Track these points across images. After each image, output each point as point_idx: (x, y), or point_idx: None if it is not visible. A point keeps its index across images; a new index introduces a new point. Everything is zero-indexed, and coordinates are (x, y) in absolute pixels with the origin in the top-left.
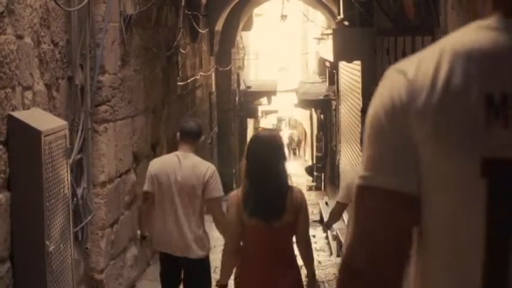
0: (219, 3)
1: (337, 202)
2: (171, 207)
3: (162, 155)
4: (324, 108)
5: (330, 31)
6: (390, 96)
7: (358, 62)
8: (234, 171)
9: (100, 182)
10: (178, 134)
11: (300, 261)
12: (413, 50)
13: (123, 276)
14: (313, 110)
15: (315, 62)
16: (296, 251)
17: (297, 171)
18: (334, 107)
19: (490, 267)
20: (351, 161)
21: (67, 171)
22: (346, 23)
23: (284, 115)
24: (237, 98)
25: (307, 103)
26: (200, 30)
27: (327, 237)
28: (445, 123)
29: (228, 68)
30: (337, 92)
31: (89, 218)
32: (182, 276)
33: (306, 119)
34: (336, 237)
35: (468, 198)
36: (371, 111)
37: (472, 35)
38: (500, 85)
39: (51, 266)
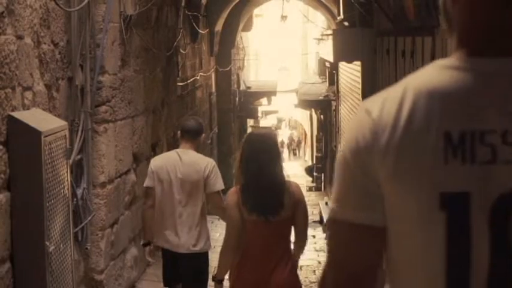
0: (219, 4)
1: None
2: (172, 203)
3: None
4: (324, 108)
5: (330, 32)
6: (356, 136)
7: (358, 63)
8: (234, 171)
9: (100, 183)
10: (179, 132)
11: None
12: (413, 51)
13: (123, 276)
14: (313, 110)
15: (315, 63)
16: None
17: (296, 171)
18: (334, 108)
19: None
20: None
21: (67, 172)
22: (346, 23)
23: (284, 115)
24: (237, 99)
25: (307, 103)
26: (200, 31)
27: (327, 238)
28: (406, 161)
29: (228, 69)
30: (337, 93)
31: (89, 218)
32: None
33: (306, 120)
34: None
35: (429, 231)
36: (341, 148)
37: (435, 74)
38: (459, 123)
39: (51, 266)
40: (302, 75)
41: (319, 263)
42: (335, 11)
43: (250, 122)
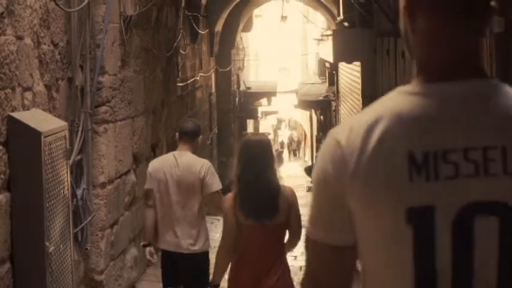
0: (219, 4)
1: None
2: (170, 205)
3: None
4: (324, 109)
5: (329, 32)
6: (325, 166)
7: (358, 63)
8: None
9: (100, 183)
10: (177, 134)
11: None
12: None
13: (123, 277)
14: (313, 110)
15: (315, 63)
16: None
17: (296, 172)
18: (334, 108)
19: None
20: None
21: (67, 172)
22: (346, 24)
23: (284, 116)
24: (236, 99)
25: (307, 104)
26: (200, 31)
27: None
28: (374, 181)
29: (228, 69)
30: (336, 93)
31: (89, 218)
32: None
33: (305, 120)
34: None
35: (397, 244)
36: (313, 175)
37: (398, 100)
38: (421, 145)
39: (51, 266)
40: (302, 76)
41: None
42: (335, 11)
43: (250, 122)
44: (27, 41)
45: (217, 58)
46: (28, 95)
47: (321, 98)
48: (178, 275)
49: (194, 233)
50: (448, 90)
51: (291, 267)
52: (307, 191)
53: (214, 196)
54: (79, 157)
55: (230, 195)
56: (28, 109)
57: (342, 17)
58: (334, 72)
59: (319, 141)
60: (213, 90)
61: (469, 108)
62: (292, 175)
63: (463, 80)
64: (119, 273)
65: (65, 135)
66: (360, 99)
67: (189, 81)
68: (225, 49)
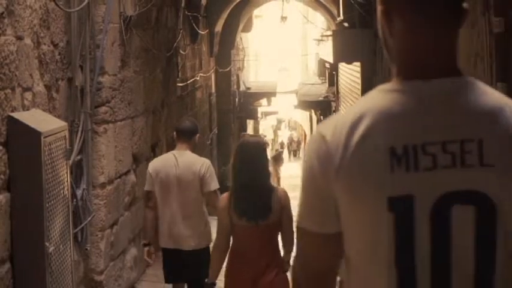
0: (218, 5)
1: None
2: (171, 204)
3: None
4: (324, 109)
5: (329, 32)
6: (312, 159)
7: (358, 64)
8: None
9: (100, 183)
10: (174, 133)
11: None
12: None
13: (123, 277)
14: (312, 111)
15: (314, 64)
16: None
17: (296, 172)
18: (333, 108)
19: (402, 281)
20: None
21: (67, 172)
22: (345, 24)
23: (284, 116)
24: (236, 99)
25: (306, 104)
26: (200, 32)
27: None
28: (358, 173)
29: (227, 69)
30: (336, 93)
31: (89, 219)
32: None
33: (305, 120)
34: None
35: (379, 230)
36: (303, 169)
37: (380, 97)
38: (401, 138)
39: (50, 267)
40: (302, 76)
41: None
42: (335, 11)
43: (250, 122)
44: (27, 41)
45: (217, 58)
46: (28, 95)
47: (320, 98)
48: (179, 273)
49: (196, 231)
50: (425, 87)
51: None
52: None
53: (211, 195)
54: (79, 157)
55: (225, 195)
56: (28, 109)
57: (341, 17)
58: (334, 72)
59: None
60: (213, 90)
61: (446, 104)
62: (293, 175)
63: (440, 78)
64: (118, 273)
65: (65, 136)
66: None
67: (189, 82)
68: (225, 49)
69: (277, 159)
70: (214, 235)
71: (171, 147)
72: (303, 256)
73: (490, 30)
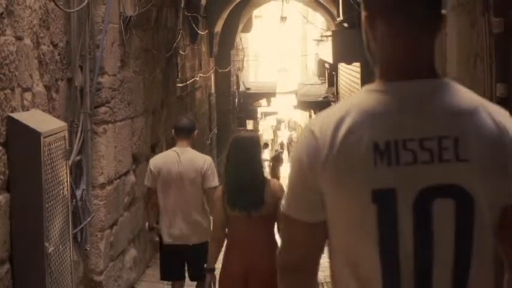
0: (218, 5)
1: None
2: (173, 200)
3: None
4: (323, 109)
5: (329, 33)
6: (301, 152)
7: (358, 64)
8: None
9: (99, 184)
10: (173, 131)
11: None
12: None
13: (122, 277)
14: (312, 111)
15: (314, 64)
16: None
17: None
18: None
19: (386, 272)
20: None
21: (66, 173)
22: (345, 24)
23: (283, 117)
24: (236, 100)
25: (306, 105)
26: (200, 32)
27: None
28: (344, 167)
29: (227, 70)
30: (336, 94)
31: (88, 219)
32: (185, 263)
33: (305, 121)
34: None
35: (363, 220)
36: (291, 160)
37: (363, 96)
38: (384, 135)
39: (50, 267)
40: (301, 77)
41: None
42: (334, 12)
43: (249, 123)
44: (27, 41)
45: (217, 59)
46: (27, 95)
47: (320, 98)
48: (179, 271)
49: (198, 226)
50: (406, 88)
51: None
52: None
53: (212, 191)
54: (78, 158)
55: (220, 187)
56: (27, 110)
57: (341, 17)
58: (333, 73)
59: None
60: (213, 90)
61: (424, 103)
62: None
63: (419, 79)
64: (118, 273)
65: (65, 136)
66: None
67: (188, 82)
68: (224, 50)
69: (277, 159)
70: None
71: (170, 147)
72: (287, 243)
73: (490, 31)
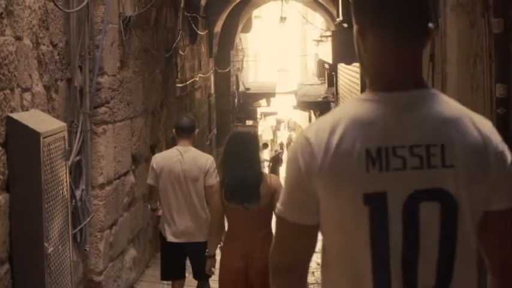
0: (218, 5)
1: None
2: (175, 197)
3: None
4: (323, 110)
5: (329, 33)
6: (297, 158)
7: (357, 64)
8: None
9: (99, 184)
10: (174, 130)
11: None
12: None
13: (122, 278)
14: (312, 111)
15: (314, 64)
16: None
17: None
18: (333, 109)
19: (376, 270)
20: None
21: (66, 173)
22: (345, 25)
23: (283, 117)
24: (236, 100)
25: (306, 105)
26: (199, 32)
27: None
28: (338, 172)
29: (227, 70)
30: (336, 94)
31: (88, 219)
32: (186, 262)
33: (304, 121)
34: None
35: (356, 222)
36: (287, 166)
37: (355, 105)
38: (375, 142)
39: (49, 267)
40: (301, 77)
41: (318, 264)
42: (334, 12)
43: (249, 123)
44: (26, 41)
45: (217, 59)
46: (27, 95)
47: (320, 99)
48: (179, 270)
49: (201, 224)
50: (396, 98)
51: None
52: None
53: (210, 189)
54: (78, 158)
55: (218, 180)
56: (27, 110)
57: (341, 18)
58: (333, 73)
59: None
60: (212, 91)
61: (413, 112)
62: None
63: (409, 89)
64: (117, 274)
65: (64, 136)
66: None
67: (188, 82)
68: (224, 50)
69: (277, 160)
70: None
71: (170, 147)
72: (280, 245)
73: (490, 31)
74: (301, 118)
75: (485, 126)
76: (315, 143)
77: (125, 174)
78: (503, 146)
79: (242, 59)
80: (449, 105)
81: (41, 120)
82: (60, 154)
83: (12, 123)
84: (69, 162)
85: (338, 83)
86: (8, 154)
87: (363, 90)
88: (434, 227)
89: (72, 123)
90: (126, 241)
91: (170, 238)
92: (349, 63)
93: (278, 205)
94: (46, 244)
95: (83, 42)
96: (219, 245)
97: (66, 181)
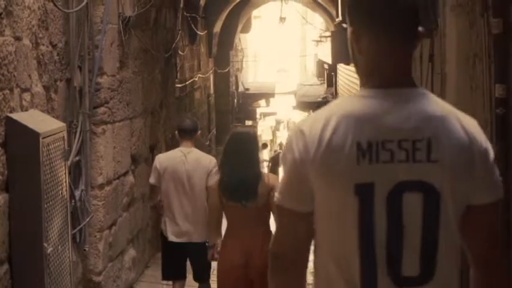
0: (217, 5)
1: None
2: (178, 197)
3: None
4: None
5: (328, 33)
6: (293, 150)
7: None
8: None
9: (98, 184)
10: (176, 132)
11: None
12: None
13: (121, 278)
14: (311, 112)
15: (313, 64)
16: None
17: None
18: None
19: (363, 258)
20: None
21: (65, 173)
22: (344, 25)
23: (282, 117)
24: (235, 100)
25: (305, 105)
26: (199, 32)
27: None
28: (330, 164)
29: (226, 70)
30: (335, 94)
31: (87, 220)
32: (186, 262)
33: None
34: None
35: (347, 210)
36: (284, 156)
37: (349, 101)
38: (366, 135)
39: (49, 268)
40: (300, 77)
41: None
42: (333, 12)
43: (249, 123)
44: (26, 41)
45: (216, 59)
46: (26, 96)
47: (319, 99)
48: (180, 270)
49: (203, 224)
50: (387, 95)
51: None
52: None
53: (210, 189)
54: (77, 158)
55: (217, 178)
56: (26, 110)
57: (340, 18)
58: (332, 73)
59: None
60: (212, 91)
61: (402, 109)
62: None
63: (400, 87)
64: (117, 274)
65: (63, 136)
66: None
67: (187, 82)
68: (223, 50)
69: (276, 160)
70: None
71: (169, 148)
72: (280, 232)
73: (489, 31)
74: (301, 118)
75: (470, 125)
76: (309, 135)
77: (124, 174)
78: (487, 144)
79: (241, 59)
80: (437, 104)
81: (40, 121)
82: (60, 154)
83: (11, 124)
84: (69, 163)
85: (337, 83)
86: (7, 154)
87: None
88: (417, 218)
89: (72, 123)
90: (125, 241)
91: (171, 238)
92: (348, 63)
93: (276, 194)
94: (45, 244)
95: (82, 43)
96: (219, 240)
97: (66, 181)
